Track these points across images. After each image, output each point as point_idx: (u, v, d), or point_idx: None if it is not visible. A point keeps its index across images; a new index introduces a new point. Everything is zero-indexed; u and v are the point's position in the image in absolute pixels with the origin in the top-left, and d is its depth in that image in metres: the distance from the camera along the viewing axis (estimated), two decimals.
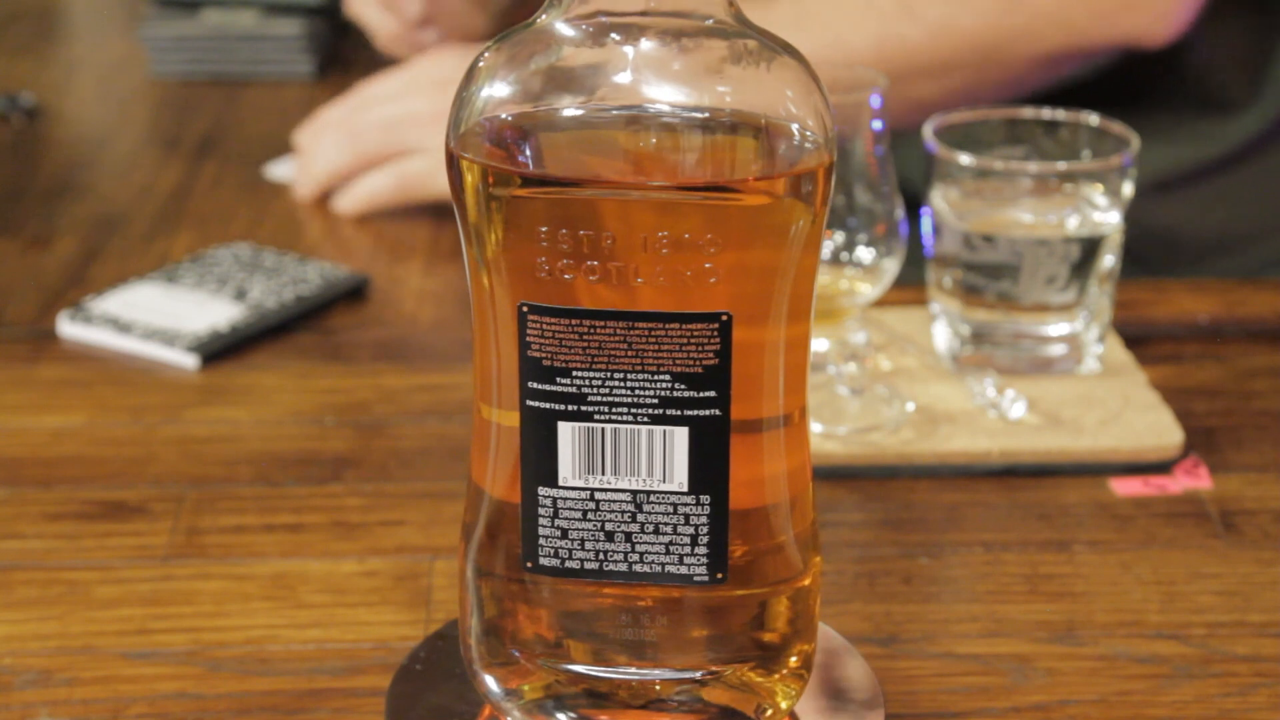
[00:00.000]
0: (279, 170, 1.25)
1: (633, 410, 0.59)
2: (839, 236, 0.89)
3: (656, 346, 0.58)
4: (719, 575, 0.60)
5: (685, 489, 0.59)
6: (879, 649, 0.72)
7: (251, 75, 1.44)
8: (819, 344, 0.91)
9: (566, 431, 0.59)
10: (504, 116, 0.58)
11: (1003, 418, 0.88)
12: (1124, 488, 0.84)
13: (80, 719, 0.69)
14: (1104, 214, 0.90)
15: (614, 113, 0.57)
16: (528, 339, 0.59)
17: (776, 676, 0.63)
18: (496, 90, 0.58)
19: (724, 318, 0.57)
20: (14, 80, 1.46)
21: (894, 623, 0.74)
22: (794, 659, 0.63)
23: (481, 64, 0.58)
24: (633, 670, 0.62)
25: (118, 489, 0.84)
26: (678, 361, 0.58)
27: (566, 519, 0.61)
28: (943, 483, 0.85)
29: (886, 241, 0.89)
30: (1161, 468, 0.86)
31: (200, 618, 0.75)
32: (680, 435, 0.59)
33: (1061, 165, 0.91)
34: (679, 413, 0.58)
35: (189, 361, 0.96)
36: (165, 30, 1.47)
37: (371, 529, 0.81)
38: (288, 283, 1.04)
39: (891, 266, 0.90)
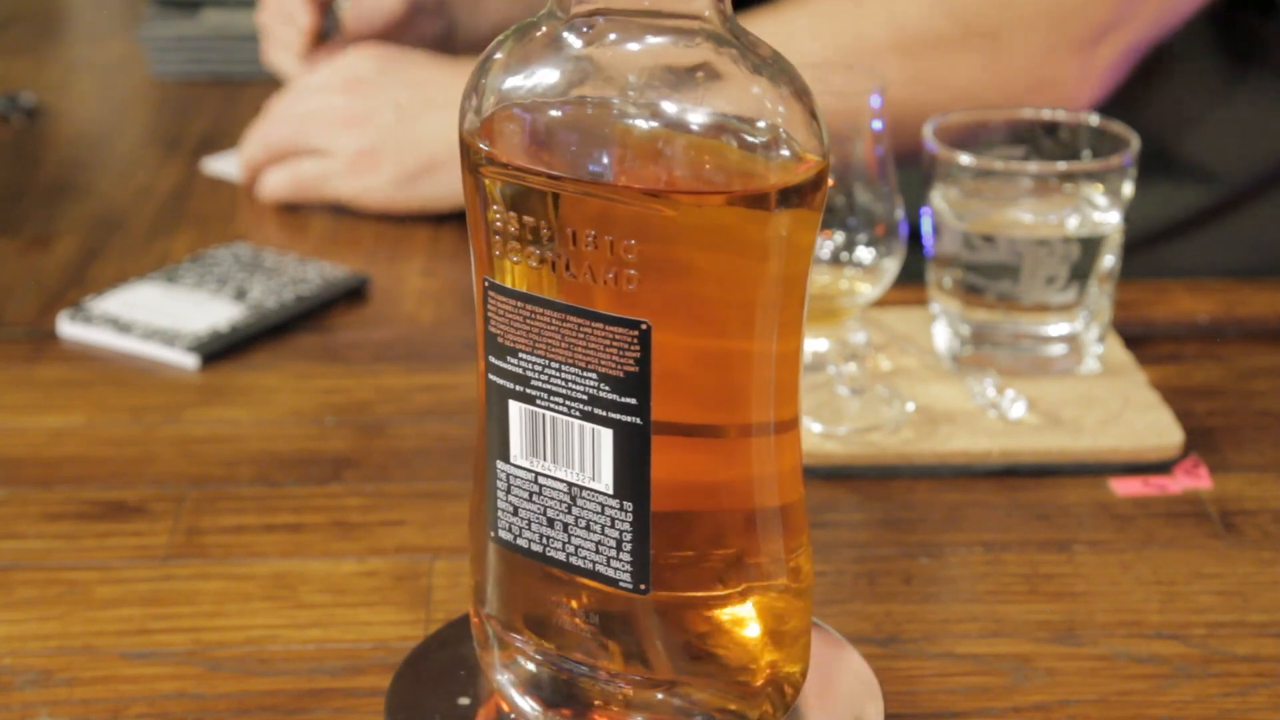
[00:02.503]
0: (216, 165, 1.25)
1: (567, 402, 0.60)
2: (839, 236, 0.89)
3: (585, 343, 0.58)
4: (642, 586, 0.60)
5: (611, 491, 0.60)
6: (879, 649, 0.72)
7: (251, 75, 1.44)
8: (819, 344, 0.91)
9: (516, 411, 0.61)
10: (497, 106, 0.59)
11: (1003, 418, 0.88)
12: (1124, 488, 0.84)
13: (80, 719, 0.69)
14: (1104, 214, 0.90)
15: (588, 110, 0.57)
16: (488, 314, 0.60)
17: (745, 693, 0.62)
18: (497, 81, 0.59)
19: (643, 326, 0.57)
20: (14, 80, 1.46)
21: (894, 623, 0.74)
22: (760, 680, 0.62)
23: (494, 57, 0.59)
24: (585, 668, 0.63)
25: (118, 489, 0.84)
26: (603, 362, 0.58)
27: (517, 497, 0.62)
28: (943, 483, 0.85)
29: (886, 241, 0.89)
30: (1161, 468, 0.86)
31: (200, 618, 0.75)
32: (606, 436, 0.59)
33: (1061, 165, 0.91)
34: (604, 414, 0.59)
35: (189, 361, 0.96)
36: (165, 30, 1.47)
37: (371, 529, 0.81)
38: (288, 283, 1.04)
39: (891, 266, 0.90)
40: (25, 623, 0.74)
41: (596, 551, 0.61)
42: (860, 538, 0.81)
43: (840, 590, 0.77)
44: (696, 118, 0.57)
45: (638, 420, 0.58)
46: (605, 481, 0.60)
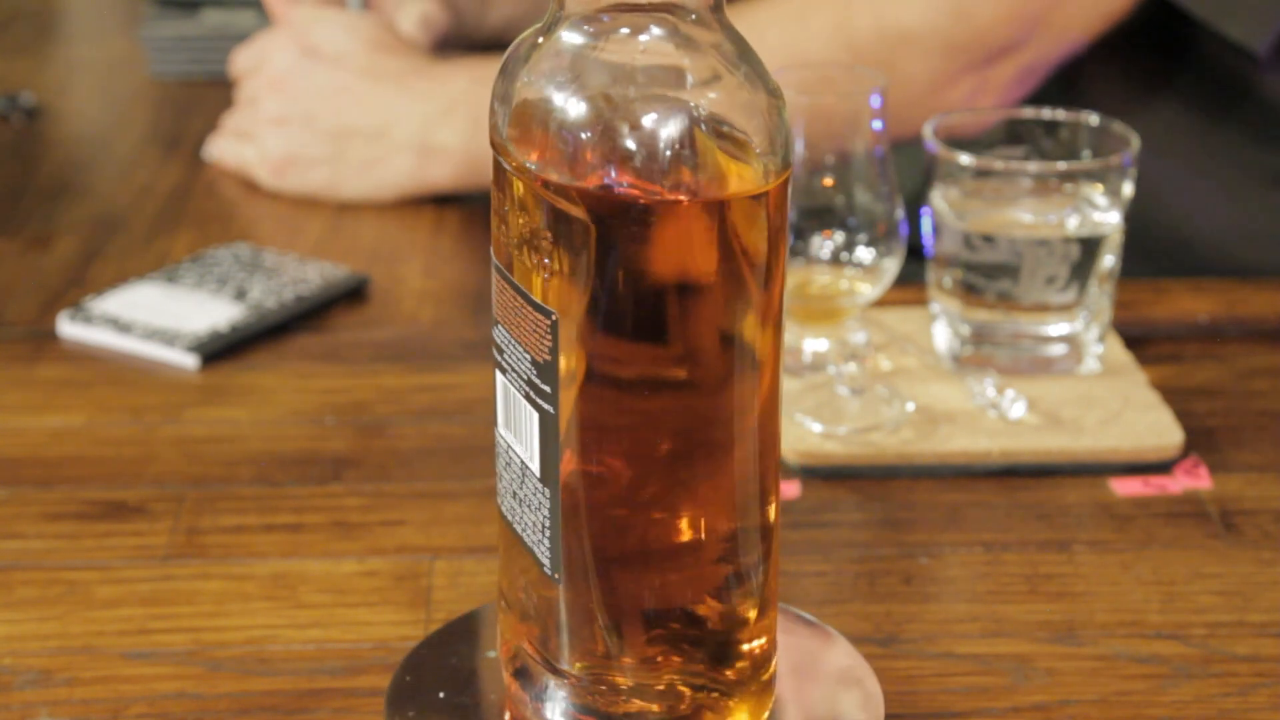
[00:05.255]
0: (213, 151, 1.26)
1: (518, 379, 0.61)
2: (839, 236, 0.89)
3: (524, 324, 0.60)
4: (556, 575, 0.61)
5: (539, 475, 0.61)
6: (879, 649, 0.72)
7: None
8: (819, 344, 0.91)
9: (499, 381, 0.63)
10: (500, 101, 0.60)
11: (1003, 418, 0.88)
12: (1124, 488, 0.84)
13: (80, 719, 0.69)
14: (1104, 214, 0.90)
15: (553, 107, 0.58)
16: (493, 286, 0.63)
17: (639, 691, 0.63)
18: (506, 81, 0.60)
19: (553, 317, 0.58)
20: (14, 80, 1.46)
21: (894, 623, 0.74)
22: (656, 687, 0.62)
23: (512, 57, 0.61)
24: (540, 659, 0.64)
25: (118, 489, 0.84)
26: (532, 345, 0.60)
27: (502, 464, 0.64)
28: (943, 483, 0.85)
29: (886, 241, 0.89)
30: (1161, 468, 0.86)
31: (200, 618, 0.75)
32: (535, 420, 0.61)
33: (1061, 165, 0.91)
34: (534, 397, 0.60)
35: (189, 361, 0.96)
36: (165, 30, 1.47)
37: (371, 529, 0.81)
38: (288, 283, 1.04)
39: (891, 266, 0.90)
40: (25, 623, 0.74)
41: (534, 531, 0.62)
42: (860, 538, 0.81)
43: (840, 590, 0.77)
44: (654, 119, 0.57)
45: (550, 410, 0.60)
46: (536, 464, 0.61)
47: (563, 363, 0.59)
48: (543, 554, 0.62)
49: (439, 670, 0.69)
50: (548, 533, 0.61)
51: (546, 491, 0.61)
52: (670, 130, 0.57)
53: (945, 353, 0.93)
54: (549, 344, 0.59)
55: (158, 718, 0.69)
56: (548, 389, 0.60)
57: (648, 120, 0.57)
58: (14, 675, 0.71)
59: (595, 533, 0.61)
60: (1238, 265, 1.11)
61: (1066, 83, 1.14)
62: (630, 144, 0.57)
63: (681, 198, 0.57)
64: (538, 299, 0.59)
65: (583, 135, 0.57)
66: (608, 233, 0.57)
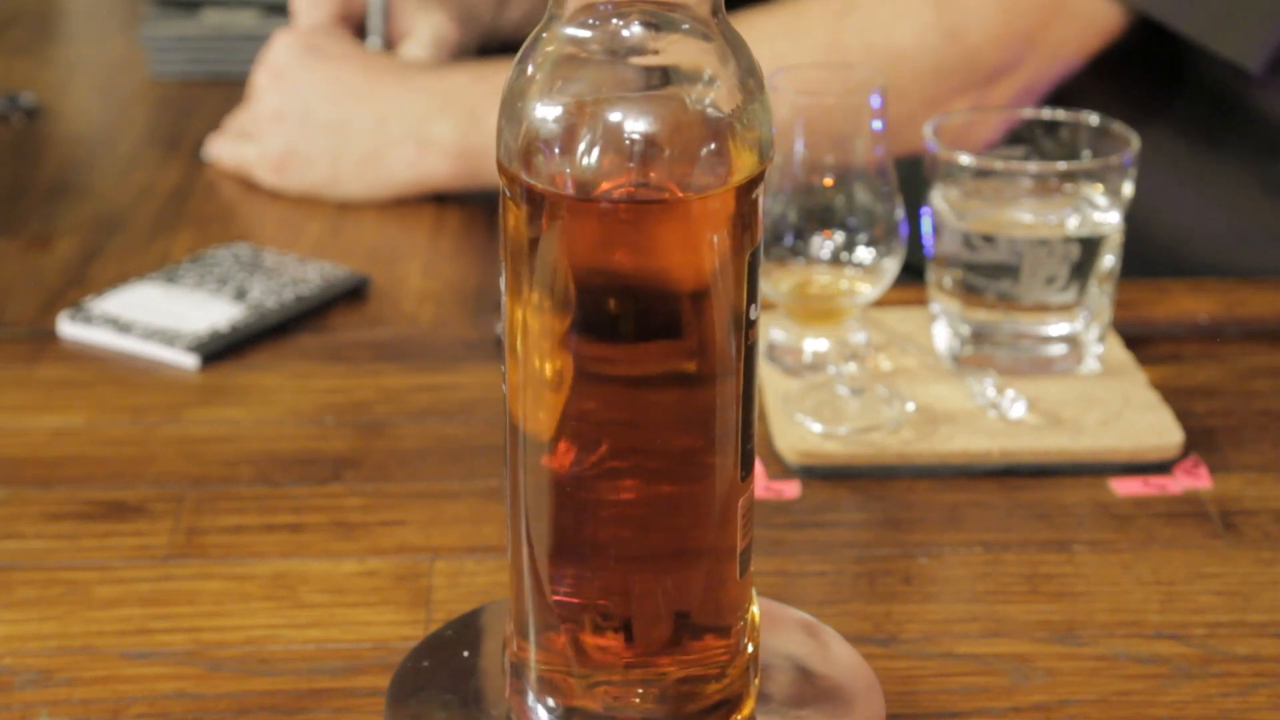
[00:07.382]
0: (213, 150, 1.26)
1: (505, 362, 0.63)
2: (839, 236, 0.89)
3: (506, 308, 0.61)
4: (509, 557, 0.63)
5: (507, 453, 0.62)
6: (879, 649, 0.72)
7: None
8: (819, 344, 0.91)
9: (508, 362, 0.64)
10: (508, 97, 0.60)
11: (1003, 418, 0.88)
12: (1124, 488, 0.84)
13: (80, 719, 0.69)
14: (1104, 214, 0.90)
15: (551, 102, 0.58)
16: None
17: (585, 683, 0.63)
18: (508, 76, 0.60)
19: (504, 299, 0.60)
20: (14, 80, 1.46)
21: (894, 623, 0.74)
22: (627, 687, 0.62)
23: (514, 71, 0.61)
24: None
25: (118, 489, 0.84)
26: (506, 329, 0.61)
27: None
28: (943, 483, 0.85)
29: (886, 241, 0.89)
30: (1161, 468, 0.86)
31: (200, 618, 0.75)
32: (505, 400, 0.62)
33: (1061, 165, 0.91)
34: (503, 381, 0.62)
35: (189, 361, 0.96)
36: (165, 30, 1.47)
37: (371, 529, 0.81)
38: (288, 283, 1.04)
39: (891, 266, 0.90)
40: (25, 623, 0.74)
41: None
42: (860, 538, 0.81)
43: (840, 590, 0.77)
44: (627, 117, 0.57)
45: (504, 388, 0.61)
46: (506, 445, 0.62)
47: (510, 345, 0.60)
48: (508, 535, 0.63)
49: (439, 670, 0.69)
50: (509, 512, 0.62)
51: (505, 471, 0.62)
52: (646, 129, 0.57)
53: (945, 353, 0.93)
54: (504, 324, 0.61)
55: (158, 718, 0.69)
56: (504, 369, 0.61)
57: (619, 117, 0.57)
58: (14, 675, 0.71)
59: (553, 522, 0.61)
60: (1234, 271, 1.11)
61: (1063, 101, 1.14)
62: (607, 142, 0.57)
63: (665, 195, 0.57)
64: (502, 284, 0.60)
65: (562, 132, 0.58)
66: (576, 226, 0.58)
